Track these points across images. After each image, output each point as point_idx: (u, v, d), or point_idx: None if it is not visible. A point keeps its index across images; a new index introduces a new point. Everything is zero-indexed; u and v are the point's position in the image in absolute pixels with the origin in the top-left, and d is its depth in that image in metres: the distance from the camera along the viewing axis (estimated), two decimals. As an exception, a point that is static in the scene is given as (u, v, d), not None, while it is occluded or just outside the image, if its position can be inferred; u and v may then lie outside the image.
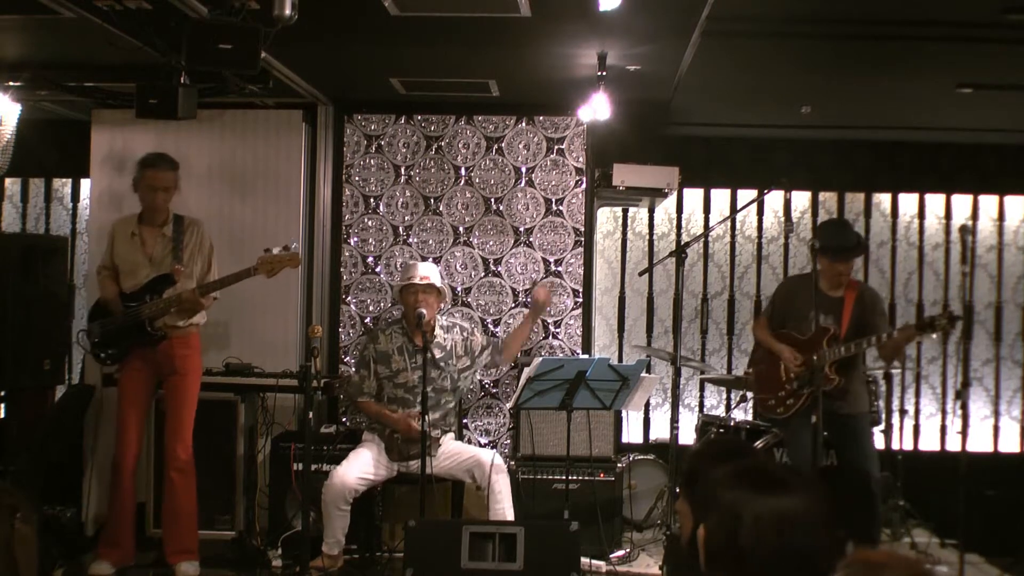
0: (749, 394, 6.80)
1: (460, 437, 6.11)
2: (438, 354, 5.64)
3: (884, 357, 5.77)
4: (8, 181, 7.47)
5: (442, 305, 5.84)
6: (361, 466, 5.48)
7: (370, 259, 6.66)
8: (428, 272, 5.67)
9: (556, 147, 6.60)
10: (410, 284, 5.60)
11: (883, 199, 7.55)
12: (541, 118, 6.60)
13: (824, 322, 5.41)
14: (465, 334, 5.78)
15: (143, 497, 5.82)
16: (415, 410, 5.47)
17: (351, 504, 5.43)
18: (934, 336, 5.82)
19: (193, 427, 5.45)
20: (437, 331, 5.71)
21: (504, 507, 5.43)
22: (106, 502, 5.64)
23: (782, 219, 7.53)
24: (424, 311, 5.45)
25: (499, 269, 6.63)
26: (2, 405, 6.13)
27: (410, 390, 5.62)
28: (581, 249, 6.61)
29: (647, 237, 7.57)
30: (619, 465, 6.15)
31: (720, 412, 7.37)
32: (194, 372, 5.47)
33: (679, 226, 7.54)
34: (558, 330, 6.61)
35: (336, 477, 5.39)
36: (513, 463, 6.08)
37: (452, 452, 5.62)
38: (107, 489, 5.61)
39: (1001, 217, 7.55)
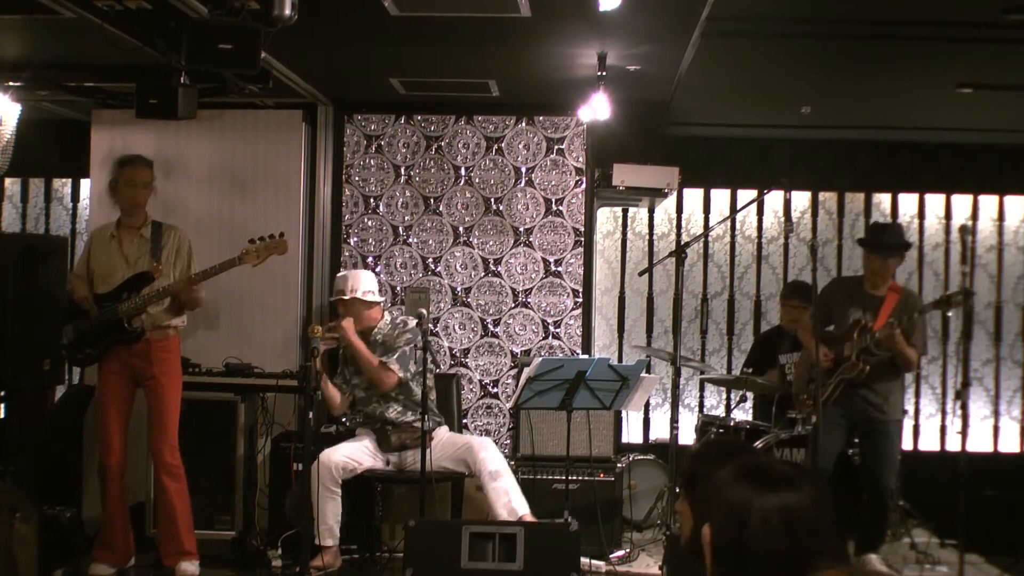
0: (749, 394, 6.82)
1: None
2: (378, 352, 5.68)
3: (899, 359, 5.63)
4: (8, 181, 7.47)
5: (382, 309, 5.84)
6: (347, 450, 5.53)
7: (370, 259, 6.66)
8: (357, 284, 5.68)
9: (556, 147, 6.60)
10: (341, 300, 5.68)
11: (883, 199, 7.55)
12: (541, 118, 6.60)
13: (860, 316, 5.50)
14: (393, 324, 5.73)
15: (142, 497, 5.82)
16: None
17: (340, 487, 5.43)
18: (950, 314, 5.97)
19: (184, 428, 5.41)
20: (381, 326, 5.75)
21: (505, 500, 5.39)
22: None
23: (782, 219, 7.54)
24: (342, 324, 5.60)
25: (499, 269, 6.63)
26: (2, 405, 6.13)
27: (358, 387, 5.72)
28: (581, 249, 6.61)
29: (647, 237, 7.57)
30: (619, 465, 6.15)
31: (720, 412, 7.37)
32: (174, 375, 5.44)
33: (679, 226, 7.54)
34: (558, 330, 6.61)
35: (322, 456, 5.42)
36: (513, 463, 6.08)
37: (445, 443, 5.62)
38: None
39: (1001, 217, 7.55)
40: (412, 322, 5.75)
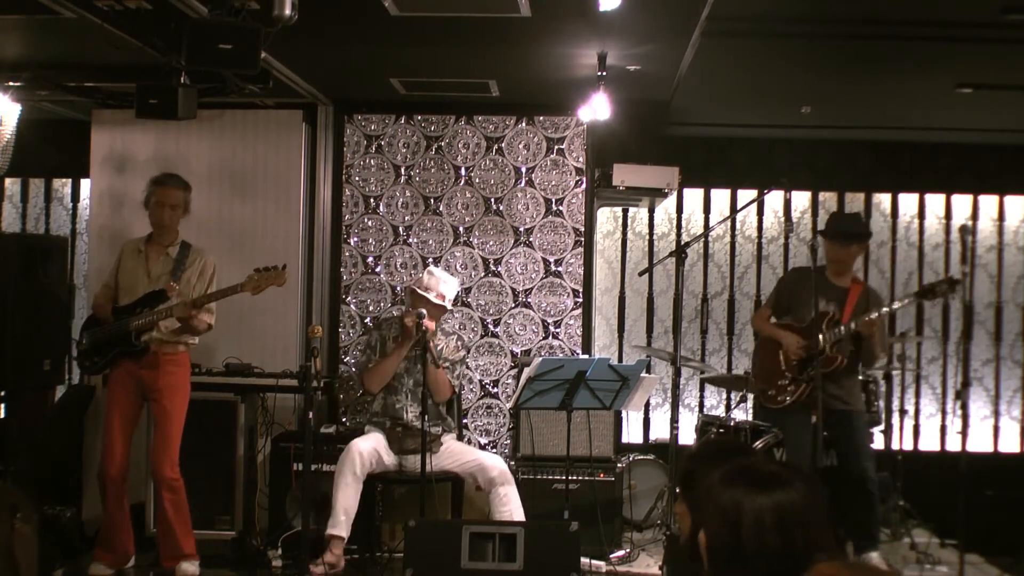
0: (750, 394, 6.81)
1: (460, 438, 6.11)
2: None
3: (867, 353, 5.60)
4: (8, 181, 7.47)
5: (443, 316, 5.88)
6: (374, 442, 5.53)
7: (370, 259, 6.66)
8: (447, 292, 5.66)
9: (556, 147, 6.60)
10: (424, 297, 5.60)
11: (883, 199, 7.55)
12: (541, 118, 6.60)
13: (826, 307, 5.48)
14: (455, 345, 5.81)
15: (142, 498, 5.82)
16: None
17: (362, 480, 5.42)
18: (931, 303, 5.95)
19: (184, 429, 5.38)
20: (437, 334, 5.77)
21: (509, 508, 5.43)
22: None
23: (782, 219, 7.53)
24: (424, 313, 5.49)
25: (499, 269, 6.63)
26: (2, 405, 6.13)
27: (397, 378, 5.68)
28: (581, 249, 6.61)
29: (647, 237, 7.57)
30: (619, 465, 6.15)
31: (720, 412, 7.37)
32: (180, 391, 5.42)
33: (679, 226, 7.54)
34: (558, 330, 6.61)
35: (352, 446, 5.44)
36: (513, 463, 6.08)
37: (455, 451, 5.65)
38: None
39: (1001, 217, 7.55)
40: (462, 335, 5.90)
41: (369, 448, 5.46)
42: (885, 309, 5.48)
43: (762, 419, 6.08)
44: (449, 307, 5.73)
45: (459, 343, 5.85)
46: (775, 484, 1.98)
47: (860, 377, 5.81)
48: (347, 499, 5.38)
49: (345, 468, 5.39)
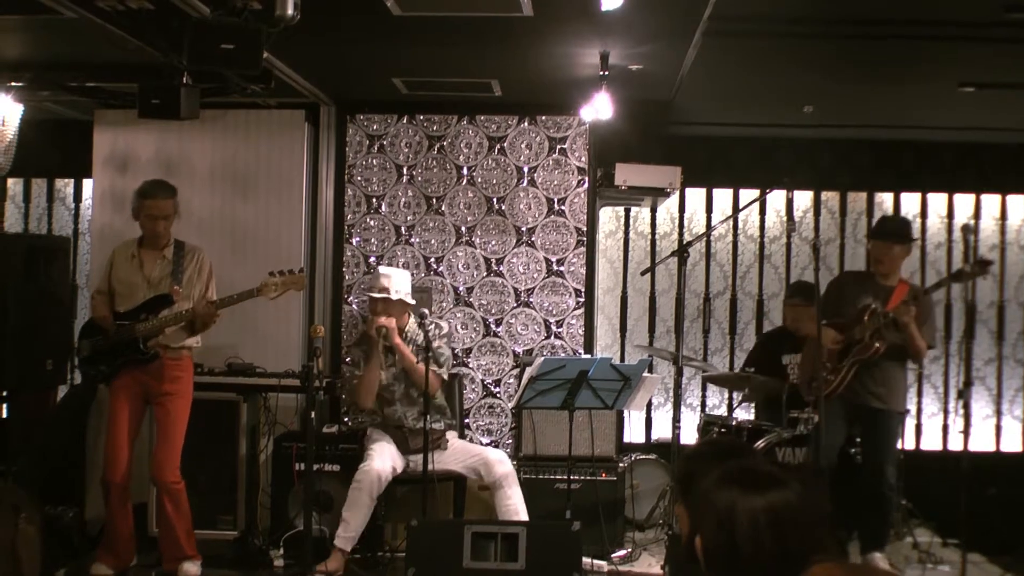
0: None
1: (462, 436, 6.12)
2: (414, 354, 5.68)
3: (910, 344, 5.58)
4: (11, 181, 7.47)
5: (409, 312, 5.79)
6: (390, 458, 5.54)
7: (372, 259, 6.66)
8: (400, 286, 5.67)
9: (558, 147, 6.60)
10: (381, 298, 5.63)
11: (885, 198, 7.54)
12: (543, 118, 6.60)
13: (871, 302, 5.54)
14: (436, 343, 5.72)
15: (144, 497, 5.82)
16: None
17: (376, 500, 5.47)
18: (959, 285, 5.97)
19: (187, 429, 5.39)
20: (410, 328, 5.75)
21: (513, 503, 5.46)
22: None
23: (784, 219, 7.52)
24: (384, 322, 5.54)
25: (501, 269, 6.63)
26: (4, 405, 6.14)
27: (385, 388, 5.71)
28: (583, 249, 6.61)
29: (649, 237, 7.57)
30: (621, 465, 6.15)
31: (722, 412, 7.36)
32: (184, 395, 5.41)
33: (681, 225, 7.54)
34: (560, 330, 6.61)
35: (371, 465, 5.43)
36: (515, 463, 6.08)
37: (459, 449, 5.70)
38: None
39: (1003, 216, 7.54)
40: (445, 326, 5.83)
41: (388, 469, 5.47)
42: (924, 295, 5.51)
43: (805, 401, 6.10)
44: (411, 300, 5.72)
45: (436, 330, 5.64)
46: (769, 484, 1.97)
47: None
48: (360, 519, 5.43)
49: (363, 489, 5.40)
